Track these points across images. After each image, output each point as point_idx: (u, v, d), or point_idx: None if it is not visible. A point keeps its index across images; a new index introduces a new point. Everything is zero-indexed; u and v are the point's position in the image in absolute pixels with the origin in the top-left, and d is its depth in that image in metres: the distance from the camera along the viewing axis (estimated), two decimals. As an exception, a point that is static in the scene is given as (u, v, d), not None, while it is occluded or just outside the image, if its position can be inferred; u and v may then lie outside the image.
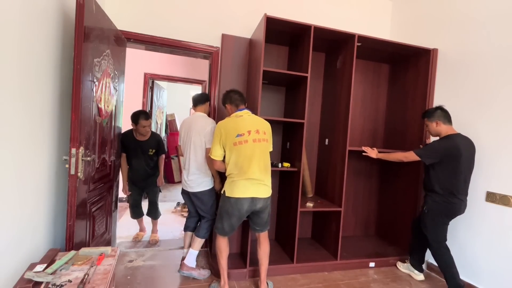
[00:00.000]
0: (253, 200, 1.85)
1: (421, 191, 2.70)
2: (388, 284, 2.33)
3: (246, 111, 1.99)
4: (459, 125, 2.25)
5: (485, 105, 2.20)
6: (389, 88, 3.16)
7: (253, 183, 1.84)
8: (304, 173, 2.62)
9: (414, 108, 2.79)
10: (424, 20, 2.82)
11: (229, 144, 1.88)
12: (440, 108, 2.19)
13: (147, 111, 4.21)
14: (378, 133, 3.18)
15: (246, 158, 1.84)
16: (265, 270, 2.05)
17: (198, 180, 2.20)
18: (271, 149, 1.99)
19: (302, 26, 2.31)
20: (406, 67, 2.93)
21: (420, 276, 2.43)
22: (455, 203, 2.07)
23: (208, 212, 2.26)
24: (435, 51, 2.63)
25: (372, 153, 2.44)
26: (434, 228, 2.16)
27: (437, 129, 2.18)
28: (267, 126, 1.98)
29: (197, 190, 2.20)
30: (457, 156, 2.03)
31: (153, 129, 3.09)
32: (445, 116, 2.16)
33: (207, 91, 2.83)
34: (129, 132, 2.68)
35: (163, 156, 2.95)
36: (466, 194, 2.11)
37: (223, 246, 1.99)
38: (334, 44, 2.67)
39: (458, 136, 2.10)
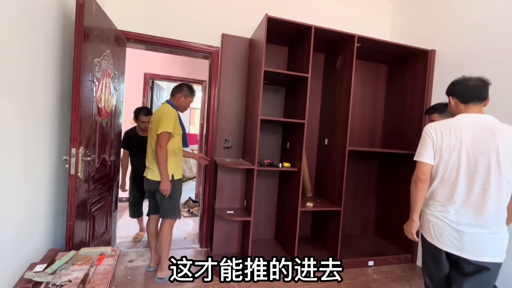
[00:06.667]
0: (146, 180, 2.17)
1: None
2: (388, 284, 2.33)
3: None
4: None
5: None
6: (387, 88, 3.17)
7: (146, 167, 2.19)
8: (304, 173, 2.62)
9: (412, 108, 2.80)
10: (424, 21, 2.82)
11: None
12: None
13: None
14: (377, 133, 3.18)
15: None
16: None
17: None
18: (154, 137, 2.05)
19: (303, 27, 2.31)
20: (404, 68, 2.93)
21: None
22: None
23: None
24: (433, 52, 2.64)
25: None
26: None
27: None
28: (156, 115, 2.09)
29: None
30: None
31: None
32: None
33: (207, 91, 2.83)
34: (133, 128, 2.84)
35: None
36: None
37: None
38: (334, 44, 2.67)
39: None
